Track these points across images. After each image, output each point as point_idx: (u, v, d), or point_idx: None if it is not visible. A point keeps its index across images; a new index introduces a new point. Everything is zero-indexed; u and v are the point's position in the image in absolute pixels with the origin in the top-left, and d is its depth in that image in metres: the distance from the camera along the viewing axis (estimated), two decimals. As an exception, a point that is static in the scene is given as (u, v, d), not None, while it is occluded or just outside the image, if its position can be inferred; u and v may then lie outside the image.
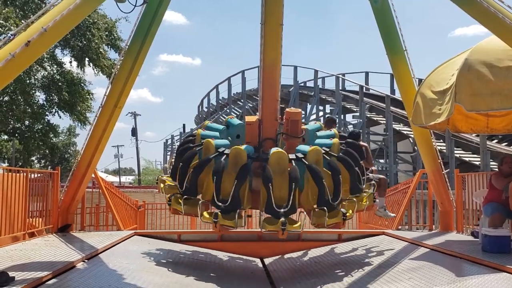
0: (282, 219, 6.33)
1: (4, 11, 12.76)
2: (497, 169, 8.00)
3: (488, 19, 5.63)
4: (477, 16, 5.78)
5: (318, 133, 7.98)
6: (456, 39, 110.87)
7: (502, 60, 6.43)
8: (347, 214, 6.79)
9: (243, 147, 7.01)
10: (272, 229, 6.42)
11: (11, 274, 4.84)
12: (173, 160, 7.65)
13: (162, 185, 7.44)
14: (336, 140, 7.35)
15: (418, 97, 7.71)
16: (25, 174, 8.20)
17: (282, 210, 6.43)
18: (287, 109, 7.71)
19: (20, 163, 21.69)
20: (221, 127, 8.06)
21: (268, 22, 6.79)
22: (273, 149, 7.00)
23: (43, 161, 34.98)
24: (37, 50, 5.21)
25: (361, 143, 8.23)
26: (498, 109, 6.70)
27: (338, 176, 6.79)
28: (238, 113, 33.04)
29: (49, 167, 29.75)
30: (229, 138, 7.76)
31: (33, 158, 25.04)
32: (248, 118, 7.87)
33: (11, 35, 5.02)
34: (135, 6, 7.34)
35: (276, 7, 6.66)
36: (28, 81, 14.47)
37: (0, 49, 4.79)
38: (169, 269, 7.09)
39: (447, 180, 9.62)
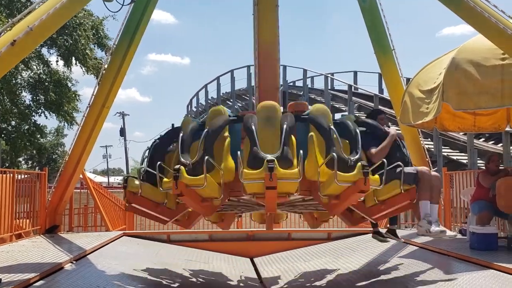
0: (269, 157, 4.80)
1: None
2: (484, 167, 8.08)
3: (475, 19, 5.68)
4: (464, 15, 5.82)
5: None
6: (444, 39, 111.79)
7: (488, 59, 6.48)
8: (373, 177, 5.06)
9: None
10: (254, 177, 4.85)
11: (-3, 276, 4.78)
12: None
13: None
14: (351, 116, 6.09)
15: (406, 96, 7.75)
16: (11, 175, 8.12)
17: (270, 155, 4.88)
18: (290, 103, 6.75)
19: (7, 164, 21.47)
20: None
21: (262, 2, 6.76)
22: None
23: (30, 162, 34.58)
24: (23, 50, 5.14)
25: (387, 128, 5.93)
26: (486, 107, 6.77)
27: (354, 135, 5.36)
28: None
29: (36, 167, 29.45)
30: None
31: (20, 159, 24.78)
32: (242, 112, 7.62)
33: (-4, 34, 4.96)
34: (122, 5, 7.29)
35: None
36: (14, 81, 14.30)
37: (-15, 49, 4.72)
38: (159, 270, 7.07)
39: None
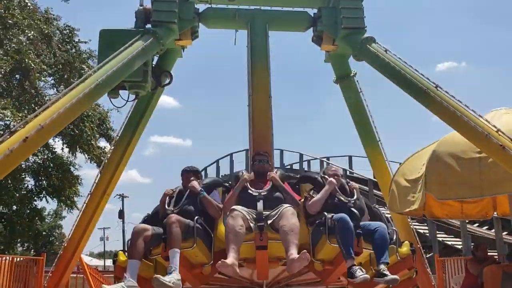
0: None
1: (2, 102, 13.41)
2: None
3: (448, 117, 6.20)
4: (438, 113, 6.35)
5: None
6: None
7: (466, 151, 6.90)
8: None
9: None
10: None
11: None
12: None
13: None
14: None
15: (393, 185, 8.12)
16: (10, 259, 8.27)
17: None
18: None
19: (2, 247, 21.38)
20: None
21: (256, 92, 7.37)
22: None
23: (26, 245, 34.17)
24: (34, 145, 5.59)
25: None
26: (466, 197, 7.12)
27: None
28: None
29: (32, 250, 29.10)
30: None
31: (15, 241, 24.64)
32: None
33: (9, 131, 5.43)
34: (127, 101, 7.84)
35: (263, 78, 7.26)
36: (19, 168, 14.84)
37: (0, 145, 5.17)
38: None
39: (427, 264, 9.78)
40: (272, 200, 5.64)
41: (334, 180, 5.96)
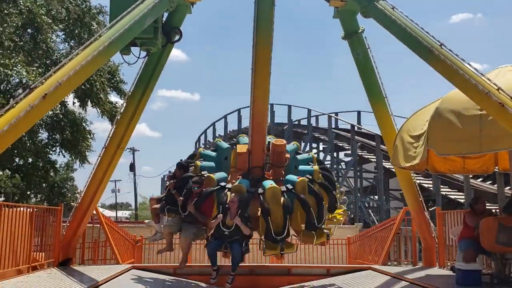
0: (280, 245, 8.07)
1: (17, 60, 13.60)
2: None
3: (451, 75, 6.36)
4: (441, 71, 6.51)
5: (298, 156, 9.52)
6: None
7: (468, 109, 7.10)
8: (329, 232, 8.67)
9: (242, 182, 8.45)
10: (272, 253, 8.43)
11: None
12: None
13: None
14: (316, 167, 8.92)
15: (398, 140, 8.37)
16: (30, 210, 8.67)
17: (279, 237, 7.96)
18: (272, 141, 8.71)
19: (17, 198, 22.03)
20: (212, 153, 9.47)
21: (257, 70, 7.56)
22: (267, 184, 8.30)
23: (39, 196, 35.04)
24: (52, 102, 5.89)
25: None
26: (466, 153, 7.36)
27: (322, 203, 8.32)
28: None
29: (45, 202, 29.96)
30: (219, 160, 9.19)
31: (29, 192, 25.38)
32: (239, 148, 9.07)
33: (30, 88, 5.70)
34: (138, 58, 8.05)
35: (265, 57, 7.44)
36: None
37: (21, 101, 5.45)
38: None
39: (429, 217, 10.14)
40: None
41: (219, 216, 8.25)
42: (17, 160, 16.07)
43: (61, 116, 15.06)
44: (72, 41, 16.03)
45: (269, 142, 9.15)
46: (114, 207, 58.80)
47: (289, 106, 29.31)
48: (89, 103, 16.10)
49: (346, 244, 13.40)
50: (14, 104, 5.40)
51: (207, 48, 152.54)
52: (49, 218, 9.48)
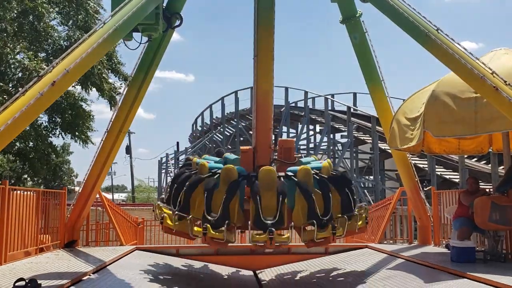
0: (269, 223, 6.86)
1: (19, 46, 13.62)
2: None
3: (447, 59, 6.55)
4: (438, 56, 6.69)
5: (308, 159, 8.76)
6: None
7: (464, 92, 7.31)
8: (338, 230, 7.13)
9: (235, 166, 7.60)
10: (260, 239, 6.95)
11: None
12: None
13: (158, 211, 7.88)
14: (326, 163, 7.86)
15: (394, 122, 8.59)
16: (36, 193, 8.87)
17: (269, 221, 6.89)
18: (280, 139, 8.57)
19: (13, 181, 22.14)
20: (220, 165, 8.17)
21: (260, 55, 7.70)
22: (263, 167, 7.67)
23: (35, 179, 35.09)
24: (61, 88, 6.04)
25: None
26: (461, 135, 7.60)
27: (328, 193, 7.25)
28: (231, 132, 33.90)
29: (41, 185, 30.04)
30: None
31: (25, 176, 25.43)
32: (243, 148, 8.69)
33: (38, 76, 5.85)
34: (140, 43, 8.17)
35: (268, 40, 7.57)
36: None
37: (30, 89, 5.61)
38: (169, 280, 7.85)
39: (424, 197, 10.42)
40: None
41: None
42: (17, 144, 16.14)
43: (61, 99, 15.06)
44: (70, 21, 15.97)
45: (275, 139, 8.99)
46: (110, 189, 59.05)
47: (286, 88, 29.43)
48: (89, 85, 16.06)
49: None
50: (24, 92, 5.55)
51: (201, 28, 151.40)
52: (54, 202, 9.70)
